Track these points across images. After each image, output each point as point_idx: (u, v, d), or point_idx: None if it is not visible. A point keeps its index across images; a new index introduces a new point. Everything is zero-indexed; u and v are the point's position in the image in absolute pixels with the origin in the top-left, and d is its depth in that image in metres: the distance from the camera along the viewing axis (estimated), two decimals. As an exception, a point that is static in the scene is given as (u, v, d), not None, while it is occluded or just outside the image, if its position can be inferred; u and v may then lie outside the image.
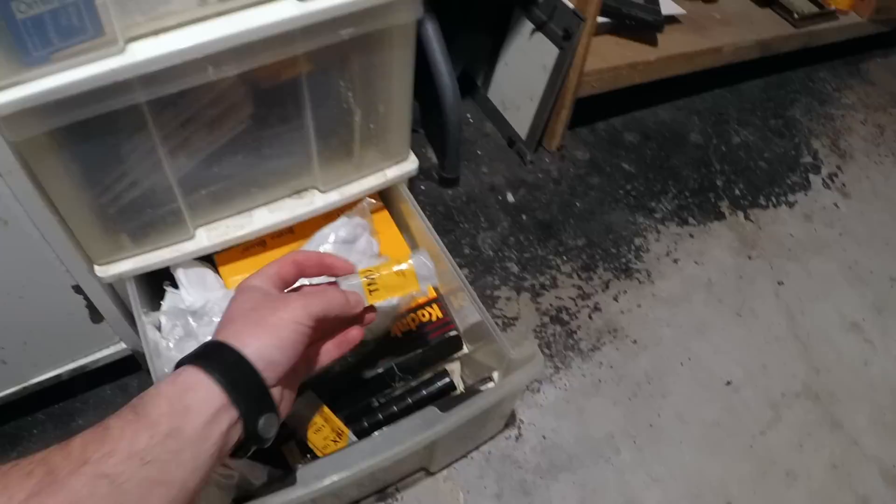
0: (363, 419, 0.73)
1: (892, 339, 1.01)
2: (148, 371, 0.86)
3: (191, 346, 0.52)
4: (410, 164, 0.82)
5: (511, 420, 0.84)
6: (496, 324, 0.78)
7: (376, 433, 0.66)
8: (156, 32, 0.55)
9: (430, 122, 1.13)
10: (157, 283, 0.75)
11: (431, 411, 0.64)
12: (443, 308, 0.79)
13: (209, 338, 0.51)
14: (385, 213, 0.86)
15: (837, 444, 0.88)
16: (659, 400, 0.89)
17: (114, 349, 0.79)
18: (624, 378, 0.91)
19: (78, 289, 0.70)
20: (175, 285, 0.76)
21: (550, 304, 0.98)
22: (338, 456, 0.65)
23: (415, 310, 0.77)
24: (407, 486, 0.78)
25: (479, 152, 1.19)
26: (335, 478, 0.58)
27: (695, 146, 1.26)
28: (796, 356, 0.97)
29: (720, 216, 1.15)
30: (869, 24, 1.41)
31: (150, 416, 0.43)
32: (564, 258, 1.04)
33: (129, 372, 0.86)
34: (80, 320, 0.74)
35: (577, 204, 1.13)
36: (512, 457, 0.82)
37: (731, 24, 1.28)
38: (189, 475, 0.43)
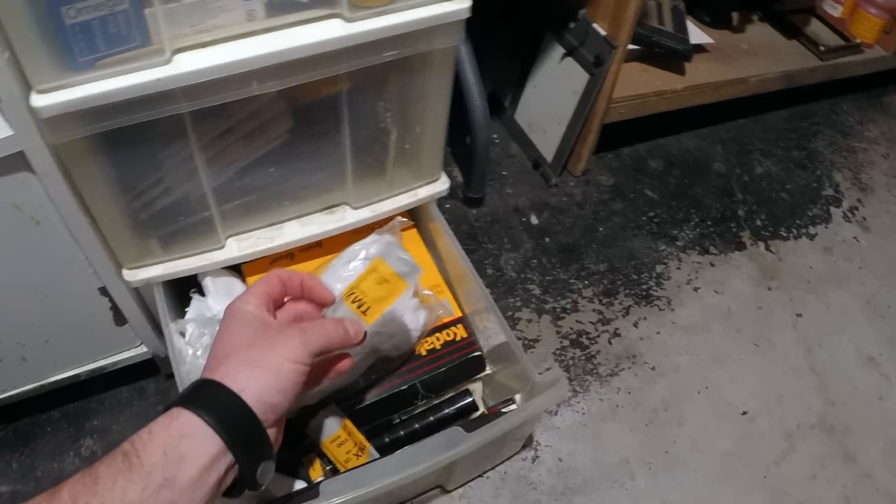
0: (384, 435, 0.73)
1: (909, 375, 1.00)
2: (165, 375, 0.87)
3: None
4: (442, 184, 0.83)
5: (528, 441, 0.84)
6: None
7: (399, 450, 0.66)
8: (203, 45, 0.55)
9: (456, 141, 1.13)
10: (181, 289, 0.75)
11: (456, 431, 0.64)
12: (467, 328, 0.79)
13: None
14: (414, 232, 0.86)
15: (850, 477, 0.88)
16: (675, 427, 0.89)
17: (134, 352, 0.80)
18: (641, 404, 0.91)
19: (104, 291, 0.71)
20: (201, 293, 0.76)
21: (571, 328, 0.98)
22: (362, 471, 0.65)
23: (440, 329, 0.78)
24: (422, 503, 0.78)
25: (504, 173, 1.20)
26: (360, 492, 0.58)
27: (718, 175, 1.27)
28: (812, 388, 0.96)
29: (741, 246, 1.15)
30: (894, 58, 1.41)
31: (143, 466, 0.41)
32: (586, 282, 1.05)
33: (147, 375, 0.87)
34: (104, 322, 0.75)
35: (601, 229, 1.13)
36: (528, 478, 0.82)
37: (757, 54, 1.29)
38: None
